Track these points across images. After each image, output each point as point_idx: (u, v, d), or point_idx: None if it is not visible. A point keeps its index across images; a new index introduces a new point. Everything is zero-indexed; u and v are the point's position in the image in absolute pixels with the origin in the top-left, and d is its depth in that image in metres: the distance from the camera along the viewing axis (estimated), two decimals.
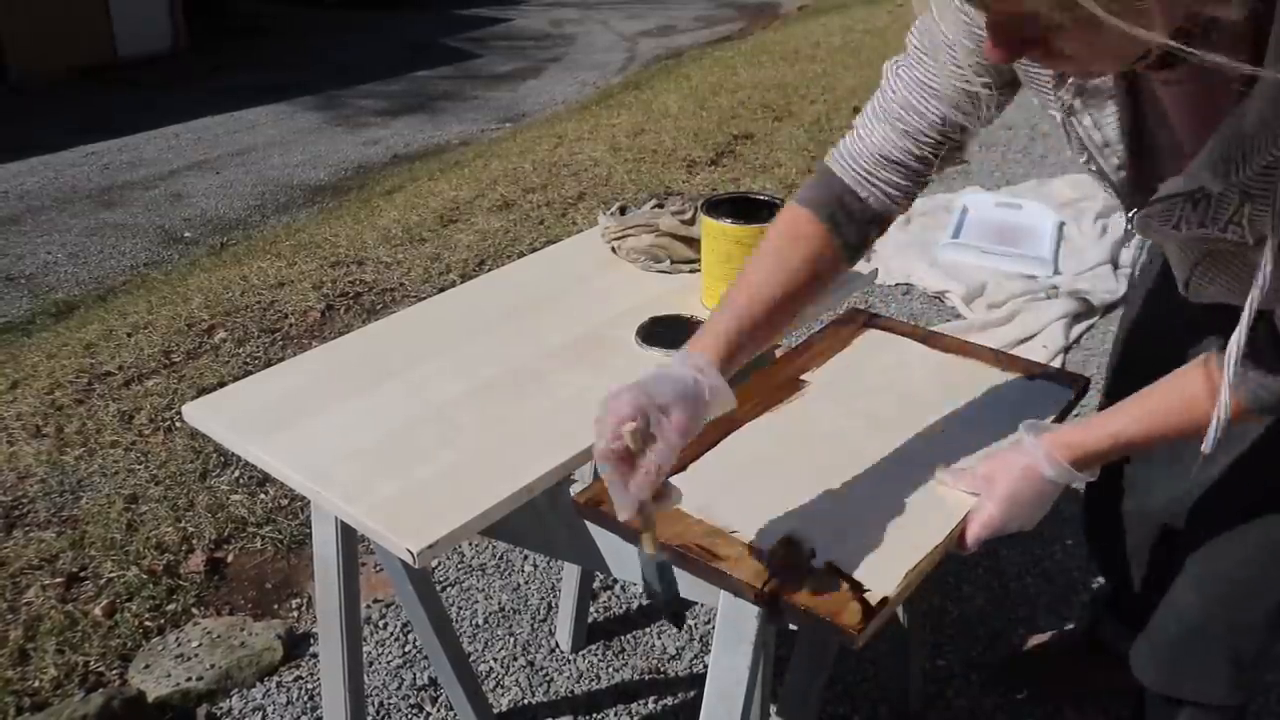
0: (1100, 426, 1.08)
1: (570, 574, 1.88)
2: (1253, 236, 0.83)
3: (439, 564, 2.15)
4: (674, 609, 1.00)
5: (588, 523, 1.17)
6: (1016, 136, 4.89)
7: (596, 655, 1.92)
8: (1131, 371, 1.29)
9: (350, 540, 1.36)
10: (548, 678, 1.87)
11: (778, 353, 1.43)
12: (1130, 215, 0.95)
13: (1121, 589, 1.66)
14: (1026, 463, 1.08)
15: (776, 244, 1.09)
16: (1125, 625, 1.63)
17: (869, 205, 1.08)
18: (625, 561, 1.18)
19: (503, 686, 1.86)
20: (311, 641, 1.95)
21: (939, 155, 1.07)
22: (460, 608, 2.05)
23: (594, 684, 1.86)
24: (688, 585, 1.08)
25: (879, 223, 1.11)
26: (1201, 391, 0.99)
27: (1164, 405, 1.05)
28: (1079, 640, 1.81)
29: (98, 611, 2.00)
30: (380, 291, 3.44)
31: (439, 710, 1.80)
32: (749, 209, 1.42)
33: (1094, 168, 0.98)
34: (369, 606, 2.02)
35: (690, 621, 1.99)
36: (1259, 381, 0.95)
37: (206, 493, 2.36)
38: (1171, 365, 1.12)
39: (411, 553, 1.01)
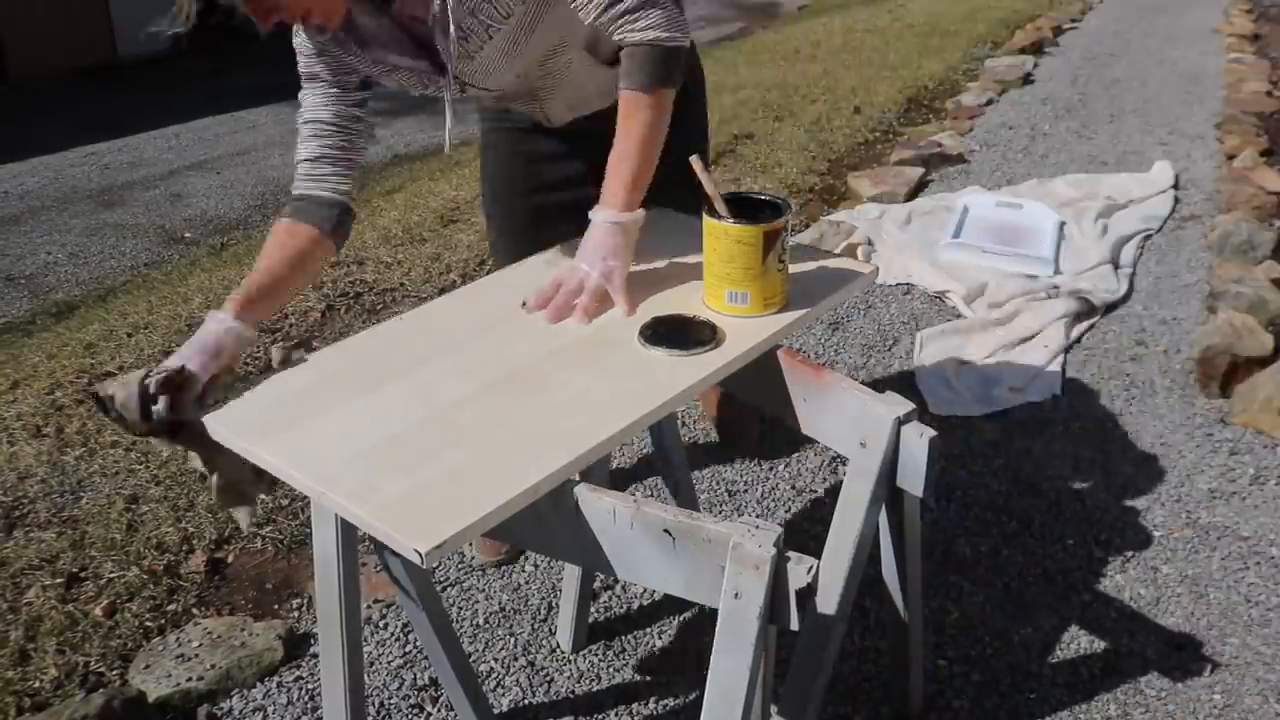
0: (615, 171, 1.47)
1: (571, 574, 1.88)
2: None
3: (439, 564, 2.15)
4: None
5: (589, 523, 1.17)
6: (1017, 136, 4.89)
7: (597, 655, 1.92)
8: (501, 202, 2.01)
9: (351, 540, 1.36)
10: (548, 678, 1.87)
11: (780, 352, 1.43)
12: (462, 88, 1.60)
13: None
14: (597, 222, 1.47)
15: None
16: None
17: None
18: (627, 562, 1.18)
19: (503, 687, 1.86)
20: (312, 641, 1.95)
21: None
22: (460, 608, 2.05)
23: (594, 684, 1.86)
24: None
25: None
26: (628, 99, 1.46)
27: (623, 124, 1.47)
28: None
29: (98, 612, 2.00)
30: (380, 291, 3.44)
31: (439, 710, 1.80)
32: (749, 209, 1.42)
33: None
34: (369, 606, 2.02)
35: (690, 621, 1.99)
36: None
37: (207, 493, 2.36)
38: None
39: (419, 553, 1.01)
